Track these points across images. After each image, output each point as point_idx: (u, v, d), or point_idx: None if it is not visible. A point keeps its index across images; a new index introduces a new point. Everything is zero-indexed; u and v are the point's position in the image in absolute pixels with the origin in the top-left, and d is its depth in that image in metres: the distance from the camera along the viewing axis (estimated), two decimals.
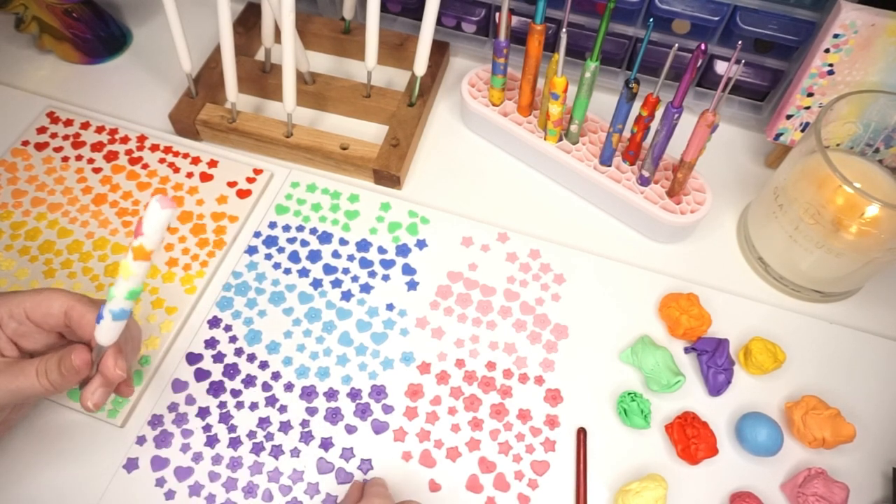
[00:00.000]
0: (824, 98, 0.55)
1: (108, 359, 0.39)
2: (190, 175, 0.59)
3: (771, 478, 0.48)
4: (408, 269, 0.55)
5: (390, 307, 0.54)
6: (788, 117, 0.57)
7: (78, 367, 0.38)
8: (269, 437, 0.48)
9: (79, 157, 0.60)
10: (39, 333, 0.41)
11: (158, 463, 0.46)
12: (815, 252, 0.51)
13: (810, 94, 0.55)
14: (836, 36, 0.50)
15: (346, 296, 0.54)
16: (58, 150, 0.60)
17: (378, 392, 0.50)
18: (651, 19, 0.48)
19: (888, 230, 0.47)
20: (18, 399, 0.39)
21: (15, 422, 0.45)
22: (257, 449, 0.47)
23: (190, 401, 0.49)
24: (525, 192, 0.61)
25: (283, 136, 0.60)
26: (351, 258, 0.56)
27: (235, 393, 0.49)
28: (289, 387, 0.50)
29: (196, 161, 0.60)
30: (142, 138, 0.61)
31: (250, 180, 0.59)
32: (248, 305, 0.53)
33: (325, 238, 0.57)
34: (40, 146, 0.60)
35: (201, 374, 0.50)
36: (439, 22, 0.67)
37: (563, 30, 0.49)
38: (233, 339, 0.52)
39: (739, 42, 0.45)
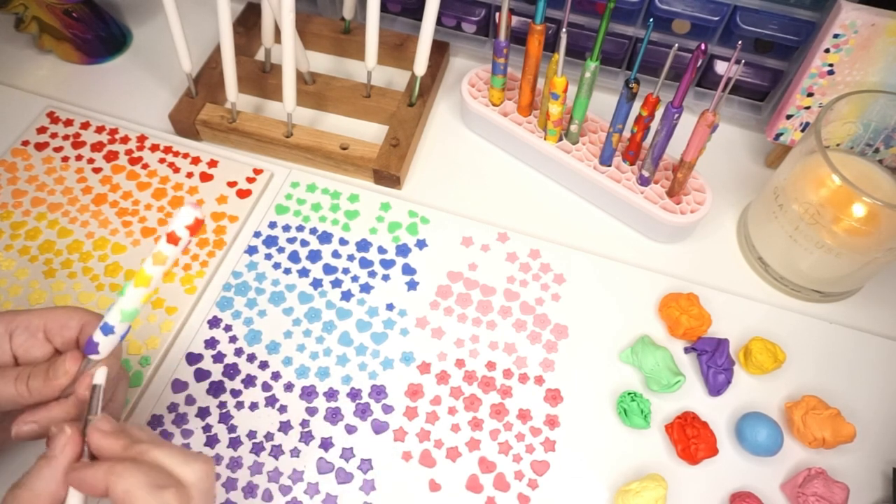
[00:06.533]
0: (824, 98, 0.55)
1: (86, 378, 0.39)
2: (190, 175, 0.59)
3: (771, 478, 0.48)
4: (408, 269, 0.55)
5: (390, 307, 0.54)
6: (788, 117, 0.57)
7: (68, 370, 0.38)
8: (269, 436, 0.48)
9: (79, 157, 0.60)
10: (45, 348, 0.41)
11: None
12: (815, 252, 0.51)
13: (810, 94, 0.55)
14: (836, 36, 0.50)
15: (346, 296, 0.54)
16: (58, 150, 0.60)
17: (378, 392, 0.50)
18: (651, 19, 0.48)
19: (887, 230, 0.47)
20: None
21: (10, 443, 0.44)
22: (257, 449, 0.47)
23: (190, 401, 0.49)
24: (525, 192, 0.61)
25: (283, 136, 0.60)
26: (351, 258, 0.56)
27: (235, 393, 0.49)
28: (289, 387, 0.50)
29: (196, 161, 0.60)
30: (142, 138, 0.61)
31: (250, 180, 0.59)
32: (248, 305, 0.53)
33: (325, 238, 0.57)
34: (40, 146, 0.60)
35: (201, 374, 0.50)
36: (439, 22, 0.67)
37: (563, 30, 0.49)
38: (233, 339, 0.52)
39: (739, 42, 0.45)
